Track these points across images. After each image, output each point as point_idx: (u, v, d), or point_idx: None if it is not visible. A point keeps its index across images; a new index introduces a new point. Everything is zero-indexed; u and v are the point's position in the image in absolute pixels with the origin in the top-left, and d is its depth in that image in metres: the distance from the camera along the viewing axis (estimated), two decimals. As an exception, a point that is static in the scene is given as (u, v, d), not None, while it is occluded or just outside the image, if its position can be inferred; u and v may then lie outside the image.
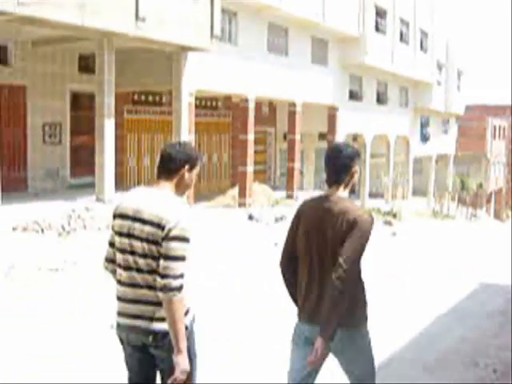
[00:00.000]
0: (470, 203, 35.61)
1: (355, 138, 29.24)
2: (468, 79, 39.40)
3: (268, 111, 26.47)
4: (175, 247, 2.97)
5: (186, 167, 3.16)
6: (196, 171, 3.24)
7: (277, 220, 17.29)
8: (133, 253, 3.07)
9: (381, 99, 29.60)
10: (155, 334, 3.06)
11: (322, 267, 3.38)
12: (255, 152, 26.71)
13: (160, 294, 2.97)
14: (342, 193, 3.47)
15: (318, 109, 25.14)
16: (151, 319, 3.06)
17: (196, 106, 22.45)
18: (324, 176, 3.64)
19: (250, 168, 20.23)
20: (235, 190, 20.63)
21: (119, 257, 3.15)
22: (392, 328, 7.21)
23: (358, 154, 3.54)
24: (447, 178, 35.02)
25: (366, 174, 27.92)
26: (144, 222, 3.03)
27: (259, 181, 24.67)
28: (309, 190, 26.18)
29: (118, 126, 20.91)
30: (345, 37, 24.80)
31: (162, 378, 3.19)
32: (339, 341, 3.32)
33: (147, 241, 3.02)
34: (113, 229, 3.21)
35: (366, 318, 3.50)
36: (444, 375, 5.82)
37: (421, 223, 25.21)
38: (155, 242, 3.00)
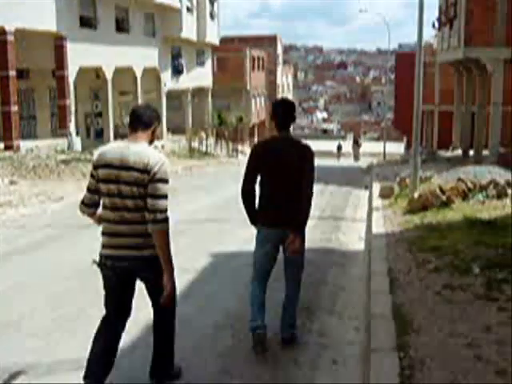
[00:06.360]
0: (231, 138, 33.83)
1: (98, 74, 25.40)
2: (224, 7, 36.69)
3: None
4: (160, 187, 3.66)
5: (156, 123, 3.91)
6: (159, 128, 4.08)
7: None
8: (121, 195, 3.69)
9: (122, 27, 25.83)
10: (144, 259, 3.76)
11: (289, 186, 4.63)
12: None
13: (150, 226, 3.67)
14: (288, 133, 4.81)
15: (49, 40, 20.90)
16: (141, 248, 3.75)
17: None
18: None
19: None
20: None
21: (107, 200, 3.77)
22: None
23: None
24: (206, 113, 32.63)
25: (109, 114, 24.34)
26: (131, 169, 3.64)
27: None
28: (46, 139, 21.85)
29: None
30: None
31: (150, 294, 3.96)
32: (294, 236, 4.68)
33: (135, 184, 3.65)
34: (95, 177, 3.79)
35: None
36: None
37: (175, 165, 22.60)
38: (142, 185, 3.64)
